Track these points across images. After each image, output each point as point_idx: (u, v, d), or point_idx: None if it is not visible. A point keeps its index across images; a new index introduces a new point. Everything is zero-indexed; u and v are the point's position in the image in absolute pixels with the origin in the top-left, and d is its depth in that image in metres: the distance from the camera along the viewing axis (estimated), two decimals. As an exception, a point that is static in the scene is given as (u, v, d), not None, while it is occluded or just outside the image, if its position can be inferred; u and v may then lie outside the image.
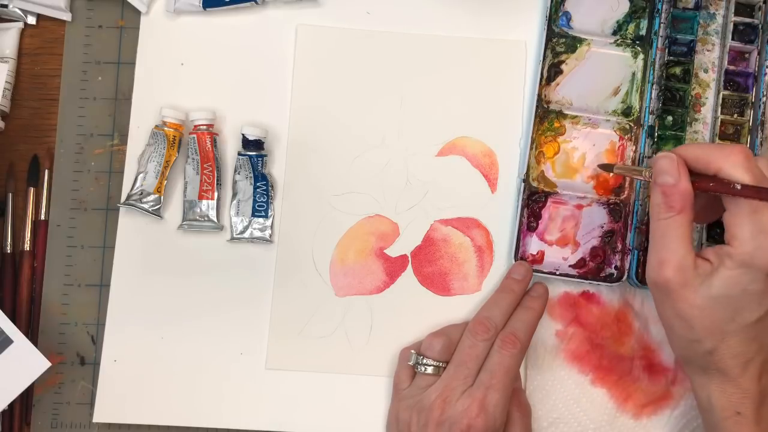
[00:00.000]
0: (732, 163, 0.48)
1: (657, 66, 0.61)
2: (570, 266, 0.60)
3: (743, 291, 0.47)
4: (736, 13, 0.61)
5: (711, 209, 0.53)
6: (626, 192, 0.60)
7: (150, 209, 0.59)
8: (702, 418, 0.52)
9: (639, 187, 0.60)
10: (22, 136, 0.62)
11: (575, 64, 0.62)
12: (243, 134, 0.60)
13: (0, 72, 0.60)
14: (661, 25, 0.61)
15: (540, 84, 0.61)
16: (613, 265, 0.60)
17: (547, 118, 0.61)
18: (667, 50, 0.61)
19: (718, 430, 0.50)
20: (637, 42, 0.62)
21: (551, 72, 0.62)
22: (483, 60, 0.62)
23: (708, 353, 0.49)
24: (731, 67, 0.61)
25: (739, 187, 0.47)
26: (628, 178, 0.60)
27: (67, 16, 0.63)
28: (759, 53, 0.61)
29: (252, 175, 0.60)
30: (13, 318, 0.59)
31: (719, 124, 0.61)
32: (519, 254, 0.60)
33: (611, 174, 0.59)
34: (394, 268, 0.61)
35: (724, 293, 0.48)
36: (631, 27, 0.62)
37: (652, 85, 0.61)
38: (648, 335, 0.60)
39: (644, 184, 0.59)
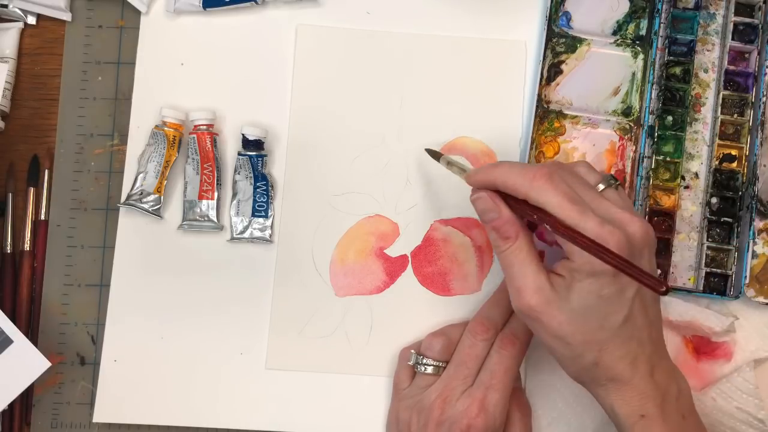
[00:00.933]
0: (536, 189, 0.47)
1: (657, 66, 0.61)
2: (570, 266, 0.60)
3: (599, 297, 0.47)
4: (736, 13, 0.61)
5: None
6: (626, 192, 0.60)
7: (150, 209, 0.59)
8: (616, 429, 0.51)
9: (639, 187, 0.60)
10: (22, 136, 0.62)
11: (575, 64, 0.62)
12: (243, 134, 0.60)
13: (0, 72, 0.60)
14: (661, 25, 0.61)
15: (540, 84, 0.61)
16: (613, 265, 0.60)
17: (547, 118, 0.61)
18: (667, 50, 0.61)
19: None
20: (637, 42, 0.62)
21: (551, 72, 0.62)
22: (483, 60, 0.62)
23: (593, 365, 0.49)
24: (731, 67, 0.61)
25: (548, 227, 0.47)
26: (629, 178, 0.60)
27: (67, 16, 0.63)
28: (759, 53, 0.61)
29: (252, 175, 0.60)
30: (13, 318, 0.59)
31: (719, 124, 0.61)
32: (519, 254, 0.60)
33: (439, 163, 0.58)
34: (394, 268, 0.61)
35: (584, 304, 0.47)
36: (631, 27, 0.62)
37: (652, 85, 0.61)
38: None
39: (644, 185, 0.60)
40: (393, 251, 0.61)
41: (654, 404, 0.49)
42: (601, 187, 0.50)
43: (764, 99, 0.60)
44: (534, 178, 0.48)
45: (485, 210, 0.51)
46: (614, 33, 0.62)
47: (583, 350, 0.48)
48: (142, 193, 0.59)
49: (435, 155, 0.58)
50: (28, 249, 0.61)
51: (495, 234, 0.50)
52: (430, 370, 0.55)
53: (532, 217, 0.48)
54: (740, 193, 0.60)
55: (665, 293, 0.43)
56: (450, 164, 0.56)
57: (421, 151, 0.61)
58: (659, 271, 0.58)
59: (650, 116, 0.60)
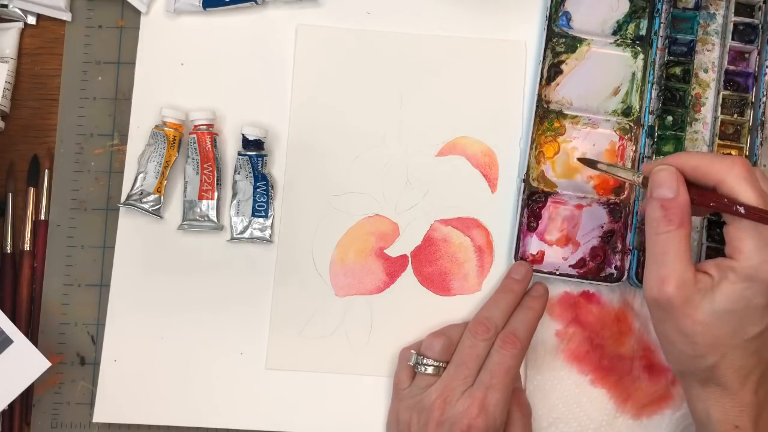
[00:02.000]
0: (735, 177, 0.47)
1: (657, 66, 0.61)
2: (570, 266, 0.60)
3: (747, 305, 0.47)
4: (736, 13, 0.61)
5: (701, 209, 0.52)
6: (626, 192, 0.60)
7: (150, 209, 0.59)
8: (698, 429, 0.52)
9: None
10: (22, 136, 0.62)
11: (575, 64, 0.62)
12: (243, 134, 0.60)
13: (0, 72, 0.59)
14: (661, 25, 0.61)
15: (540, 84, 0.61)
16: (613, 265, 0.60)
17: (547, 118, 0.61)
18: (667, 50, 0.61)
19: None
20: (637, 42, 0.62)
21: (551, 72, 0.62)
22: (483, 60, 0.62)
23: (709, 368, 0.48)
24: (731, 67, 0.61)
25: (743, 210, 0.46)
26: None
27: (67, 16, 0.63)
28: (759, 53, 0.61)
29: (252, 175, 0.60)
30: (13, 318, 0.59)
31: (719, 124, 0.61)
32: (519, 254, 0.60)
33: (597, 170, 0.57)
34: (394, 268, 0.61)
35: (728, 308, 0.47)
36: (631, 27, 0.62)
37: (652, 85, 0.61)
38: (648, 335, 0.60)
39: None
40: (393, 251, 0.61)
41: (750, 419, 0.48)
42: None
43: (764, 99, 0.60)
44: (733, 166, 0.47)
45: (663, 183, 0.48)
46: (614, 33, 0.62)
47: (707, 352, 0.48)
48: (142, 193, 0.59)
49: (590, 163, 0.56)
50: (28, 249, 0.61)
51: (660, 213, 0.48)
52: (430, 370, 0.55)
53: (721, 201, 0.47)
54: (740, 193, 0.60)
55: None
56: (611, 167, 0.55)
57: (421, 151, 0.61)
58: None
59: (650, 116, 0.60)
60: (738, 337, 0.47)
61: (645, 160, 0.60)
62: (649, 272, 0.49)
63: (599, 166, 0.55)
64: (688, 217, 0.48)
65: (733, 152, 0.61)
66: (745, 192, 0.46)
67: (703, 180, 0.48)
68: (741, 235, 0.47)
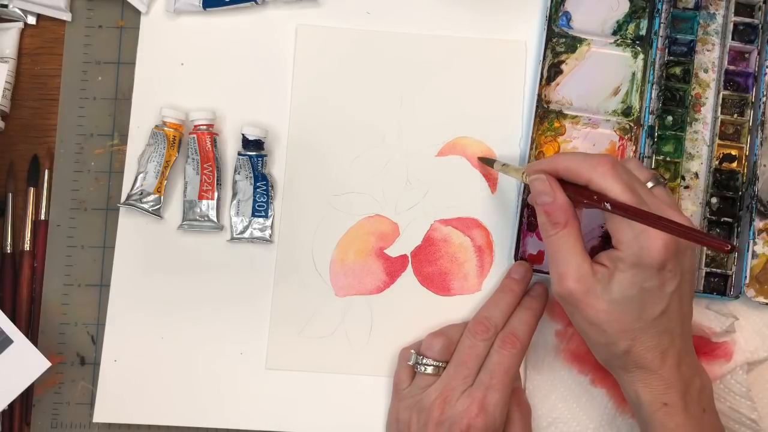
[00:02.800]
0: (600, 174, 0.49)
1: (657, 66, 0.61)
2: (570, 266, 0.60)
3: (641, 289, 0.49)
4: (736, 13, 0.61)
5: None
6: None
7: (150, 209, 0.59)
8: (635, 415, 0.54)
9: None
10: (22, 136, 0.62)
11: (575, 64, 0.62)
12: (243, 134, 0.60)
13: (0, 72, 0.60)
14: (661, 25, 0.61)
15: (540, 84, 0.61)
16: (613, 265, 0.60)
17: (547, 118, 0.61)
18: (667, 50, 0.61)
19: (650, 423, 0.51)
20: (637, 42, 0.62)
21: (551, 72, 0.62)
22: (483, 60, 0.62)
23: (625, 353, 0.50)
24: (731, 67, 0.61)
25: (608, 206, 0.48)
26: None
27: (67, 16, 0.63)
28: (759, 53, 0.61)
29: (252, 175, 0.60)
30: (13, 318, 0.59)
31: (719, 124, 0.61)
32: (519, 254, 0.60)
33: (494, 170, 0.60)
34: (394, 268, 0.61)
35: (625, 294, 0.49)
36: (631, 27, 0.62)
37: (652, 85, 0.61)
38: (648, 335, 0.60)
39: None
40: (393, 251, 0.61)
41: (677, 394, 0.50)
42: (651, 184, 0.51)
43: (764, 99, 0.60)
44: (598, 164, 0.49)
45: (541, 192, 0.52)
46: (614, 33, 0.62)
47: (618, 338, 0.50)
48: (142, 193, 0.59)
49: (489, 162, 0.60)
50: (28, 249, 0.61)
51: (546, 218, 0.51)
52: (430, 370, 0.55)
53: (592, 200, 0.49)
54: (740, 193, 0.60)
55: (732, 251, 0.45)
56: (505, 166, 0.58)
57: (421, 151, 0.61)
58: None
59: (650, 116, 0.60)
60: (642, 320, 0.49)
61: (645, 160, 0.60)
62: (551, 271, 0.51)
63: (495, 165, 0.59)
64: (572, 215, 0.51)
65: (733, 152, 0.61)
66: (611, 188, 0.49)
67: (576, 180, 0.51)
68: (618, 227, 0.49)
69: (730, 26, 0.61)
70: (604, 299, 0.49)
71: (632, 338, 0.50)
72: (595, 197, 0.49)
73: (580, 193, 0.51)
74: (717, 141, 0.60)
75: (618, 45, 0.62)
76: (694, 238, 0.46)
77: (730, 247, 0.44)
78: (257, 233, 0.60)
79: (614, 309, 0.49)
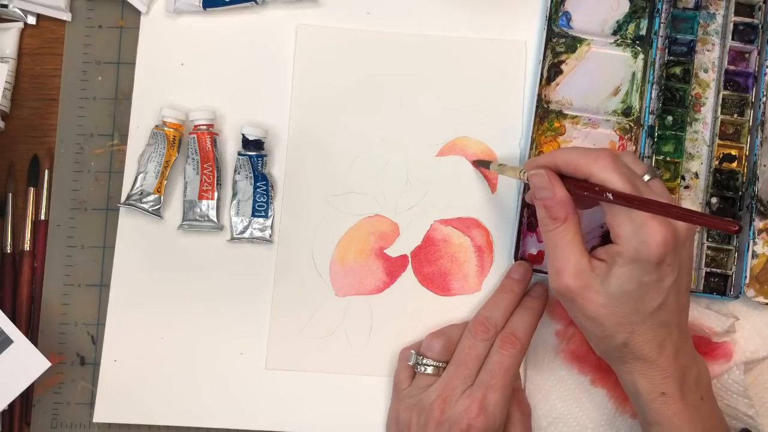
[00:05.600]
0: (600, 167, 0.49)
1: (657, 66, 0.61)
2: (570, 266, 0.60)
3: (639, 283, 0.49)
4: (736, 13, 0.61)
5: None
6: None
7: (150, 209, 0.59)
8: (633, 403, 0.54)
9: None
10: (22, 136, 0.62)
11: (575, 64, 0.62)
12: (243, 134, 0.60)
13: (0, 72, 0.60)
14: (661, 25, 0.61)
15: (540, 84, 0.61)
16: (613, 265, 0.60)
17: (547, 118, 0.61)
18: (667, 50, 0.61)
19: (647, 411, 0.52)
20: (637, 42, 0.62)
21: (551, 72, 0.62)
22: (483, 60, 0.62)
23: (623, 345, 0.51)
24: (731, 67, 0.61)
25: (611, 196, 0.48)
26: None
27: (67, 16, 0.63)
28: (759, 53, 0.61)
29: (252, 175, 0.60)
30: (13, 318, 0.59)
31: (719, 124, 0.61)
32: (519, 254, 0.60)
33: (491, 171, 0.60)
34: (394, 268, 0.61)
35: (623, 289, 0.49)
36: (631, 27, 0.62)
37: (652, 85, 0.61)
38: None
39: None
40: (393, 251, 0.61)
41: (675, 383, 0.51)
42: (647, 177, 0.51)
43: (764, 99, 0.60)
44: (598, 158, 0.50)
45: (540, 187, 0.52)
46: (614, 33, 0.62)
47: (615, 331, 0.50)
48: (142, 193, 0.59)
49: (484, 164, 0.60)
50: (28, 249, 0.61)
51: (545, 213, 0.51)
52: (430, 370, 0.55)
53: (593, 191, 0.49)
54: (740, 193, 0.60)
55: (738, 232, 0.45)
56: (502, 166, 0.58)
57: (421, 151, 0.61)
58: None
59: (650, 116, 0.60)
60: (640, 313, 0.50)
61: (645, 160, 0.60)
62: (549, 266, 0.52)
63: (491, 166, 0.59)
64: (572, 210, 0.51)
65: (733, 152, 0.61)
66: (612, 180, 0.49)
67: (576, 174, 0.51)
68: (617, 221, 0.49)
69: (730, 26, 0.61)
70: (602, 294, 0.50)
71: (630, 331, 0.50)
72: (597, 188, 0.49)
73: (580, 186, 0.51)
74: (717, 141, 0.60)
75: (618, 45, 0.62)
76: (701, 221, 0.46)
77: (738, 227, 0.44)
78: (257, 233, 0.60)
79: (612, 303, 0.50)
